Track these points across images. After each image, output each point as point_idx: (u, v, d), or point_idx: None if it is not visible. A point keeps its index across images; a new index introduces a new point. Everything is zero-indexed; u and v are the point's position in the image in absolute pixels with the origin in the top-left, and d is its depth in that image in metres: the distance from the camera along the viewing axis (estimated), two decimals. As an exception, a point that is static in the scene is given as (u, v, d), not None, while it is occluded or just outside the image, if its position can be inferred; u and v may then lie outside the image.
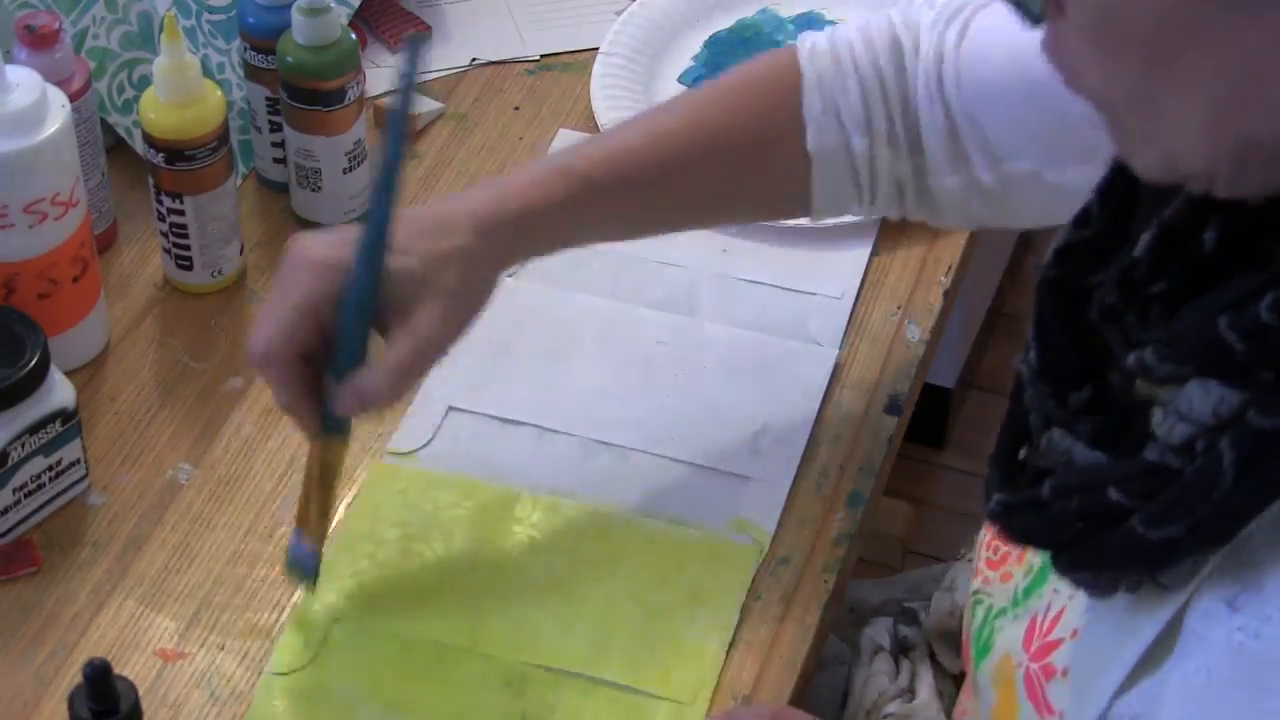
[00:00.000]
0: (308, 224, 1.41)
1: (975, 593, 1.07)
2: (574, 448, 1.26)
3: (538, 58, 1.56)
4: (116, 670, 1.04)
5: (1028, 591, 1.01)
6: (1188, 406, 0.82)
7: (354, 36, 1.36)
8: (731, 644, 1.16)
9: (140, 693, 1.07)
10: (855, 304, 1.36)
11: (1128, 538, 0.84)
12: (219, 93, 1.31)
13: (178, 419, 1.29)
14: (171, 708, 1.13)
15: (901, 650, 1.26)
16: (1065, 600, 0.96)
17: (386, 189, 1.07)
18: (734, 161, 1.18)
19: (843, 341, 1.33)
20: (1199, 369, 0.82)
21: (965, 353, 2.36)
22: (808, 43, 1.19)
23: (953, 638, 1.23)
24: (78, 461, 1.22)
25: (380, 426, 1.26)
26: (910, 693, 1.23)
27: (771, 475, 1.24)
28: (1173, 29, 0.76)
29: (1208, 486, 0.81)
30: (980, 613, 1.05)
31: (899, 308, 1.36)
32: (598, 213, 1.16)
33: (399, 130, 1.08)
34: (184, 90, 1.28)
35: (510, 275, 1.25)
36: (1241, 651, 0.82)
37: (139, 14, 1.40)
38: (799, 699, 1.16)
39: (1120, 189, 0.90)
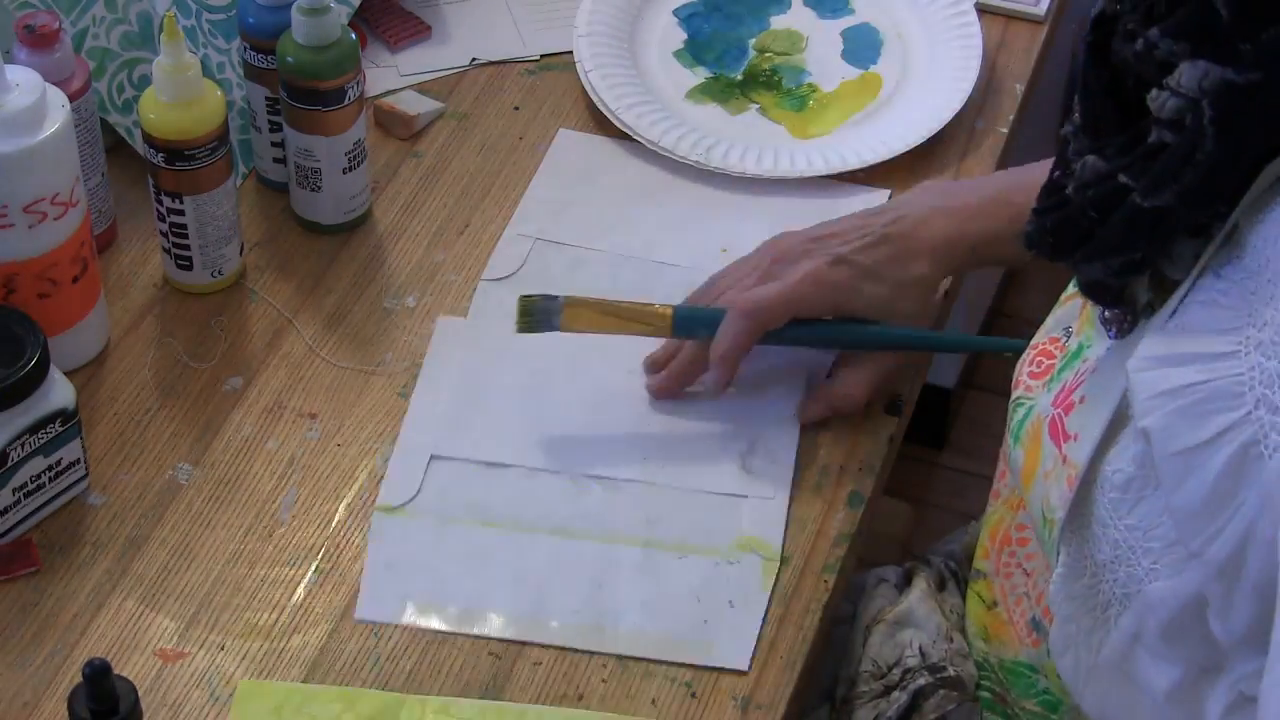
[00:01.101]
0: (308, 224, 1.41)
1: (1016, 400, 1.11)
2: (565, 484, 1.23)
3: (538, 58, 1.56)
4: (116, 670, 1.05)
5: (1061, 370, 1.07)
6: (1178, 82, 0.89)
7: (354, 36, 1.36)
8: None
9: (140, 693, 1.07)
10: (855, 304, 1.36)
11: (1128, 212, 0.92)
12: (219, 93, 1.30)
13: (178, 419, 1.29)
14: (171, 708, 1.13)
15: (906, 580, 1.28)
16: (1091, 362, 1.03)
17: None
18: None
19: (843, 341, 1.33)
20: (1193, 45, 0.89)
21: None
22: None
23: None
24: (77, 461, 1.22)
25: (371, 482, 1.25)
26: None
27: (767, 490, 1.23)
28: None
29: (1192, 149, 0.89)
30: (1021, 412, 1.10)
31: (899, 308, 1.36)
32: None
33: None
34: (184, 90, 1.28)
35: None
36: (1213, 304, 0.91)
37: (139, 14, 1.40)
38: (799, 698, 1.16)
39: None
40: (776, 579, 1.19)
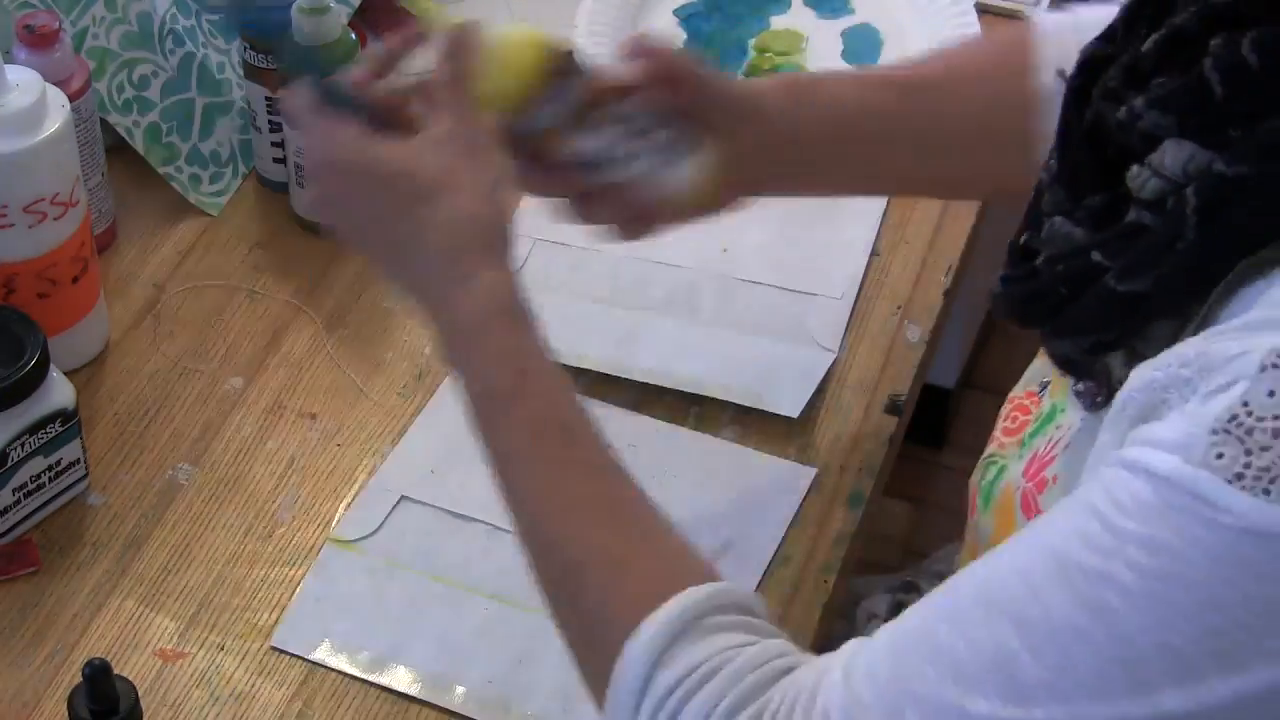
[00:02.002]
0: (308, 224, 1.41)
1: (989, 457, 1.09)
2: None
3: (538, 58, 1.56)
4: (116, 670, 1.04)
5: (1033, 434, 1.03)
6: (1161, 163, 0.85)
7: (354, 36, 1.36)
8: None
9: (140, 693, 1.07)
10: (855, 304, 1.36)
11: (1101, 293, 0.87)
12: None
13: (178, 419, 1.29)
14: (171, 708, 1.13)
15: (896, 611, 1.27)
16: (1065, 432, 0.99)
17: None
18: (954, 107, 1.17)
19: (843, 341, 1.33)
20: (1180, 123, 0.84)
21: (965, 353, 2.36)
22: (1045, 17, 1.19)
23: None
24: (77, 461, 1.22)
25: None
26: None
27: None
28: None
29: (1173, 237, 0.84)
30: (992, 471, 1.07)
31: (899, 308, 1.36)
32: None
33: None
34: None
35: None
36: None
37: (139, 14, 1.40)
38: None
39: (1148, 12, 0.92)
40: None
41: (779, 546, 1.21)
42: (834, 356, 1.32)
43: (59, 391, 1.19)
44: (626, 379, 1.30)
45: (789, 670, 0.88)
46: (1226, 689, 0.77)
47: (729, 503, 1.23)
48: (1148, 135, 0.86)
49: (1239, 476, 0.76)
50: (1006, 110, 1.16)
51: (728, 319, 1.35)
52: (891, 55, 1.54)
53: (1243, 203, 0.82)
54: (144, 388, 1.31)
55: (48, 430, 1.19)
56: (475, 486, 1.24)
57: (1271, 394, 0.76)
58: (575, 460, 0.98)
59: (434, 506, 1.23)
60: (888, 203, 1.43)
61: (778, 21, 1.58)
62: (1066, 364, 0.95)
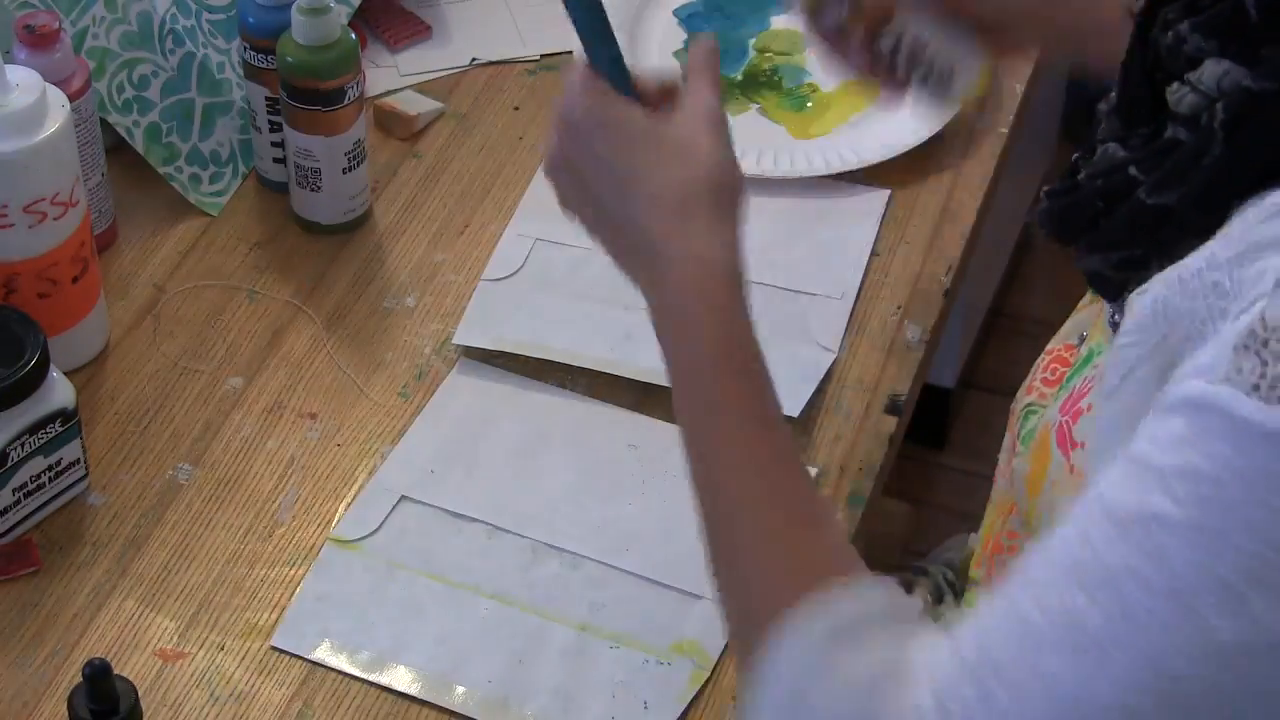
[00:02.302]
0: (307, 224, 1.41)
1: (1028, 405, 1.09)
2: (523, 550, 1.20)
3: (538, 58, 1.56)
4: (116, 670, 1.05)
5: (1071, 376, 1.05)
6: (1199, 79, 0.88)
7: (354, 36, 1.36)
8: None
9: (140, 693, 1.07)
10: (855, 304, 1.36)
11: (1133, 206, 0.90)
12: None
13: (178, 419, 1.29)
14: (171, 708, 1.13)
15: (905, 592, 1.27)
16: (1100, 369, 1.00)
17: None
18: None
19: (843, 341, 1.33)
20: (1220, 45, 0.87)
21: (965, 353, 2.36)
22: None
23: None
24: (77, 461, 1.22)
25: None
26: None
27: None
28: None
29: (1201, 151, 0.87)
30: (1032, 420, 1.08)
31: (899, 308, 1.36)
32: None
33: None
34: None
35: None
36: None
37: (138, 14, 1.40)
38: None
39: None
40: (700, 692, 1.14)
41: None
42: (834, 356, 1.32)
43: (59, 391, 1.19)
44: (626, 379, 1.30)
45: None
46: (1272, 617, 0.78)
47: None
48: (1192, 58, 0.89)
49: (1255, 388, 0.77)
50: None
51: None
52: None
53: (1267, 117, 0.85)
54: (144, 388, 1.31)
55: (48, 430, 1.19)
56: (475, 486, 1.24)
57: None
58: (768, 444, 0.99)
59: (434, 506, 1.23)
60: (888, 203, 1.43)
61: (778, 21, 1.58)
62: (1097, 280, 0.97)
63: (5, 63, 1.22)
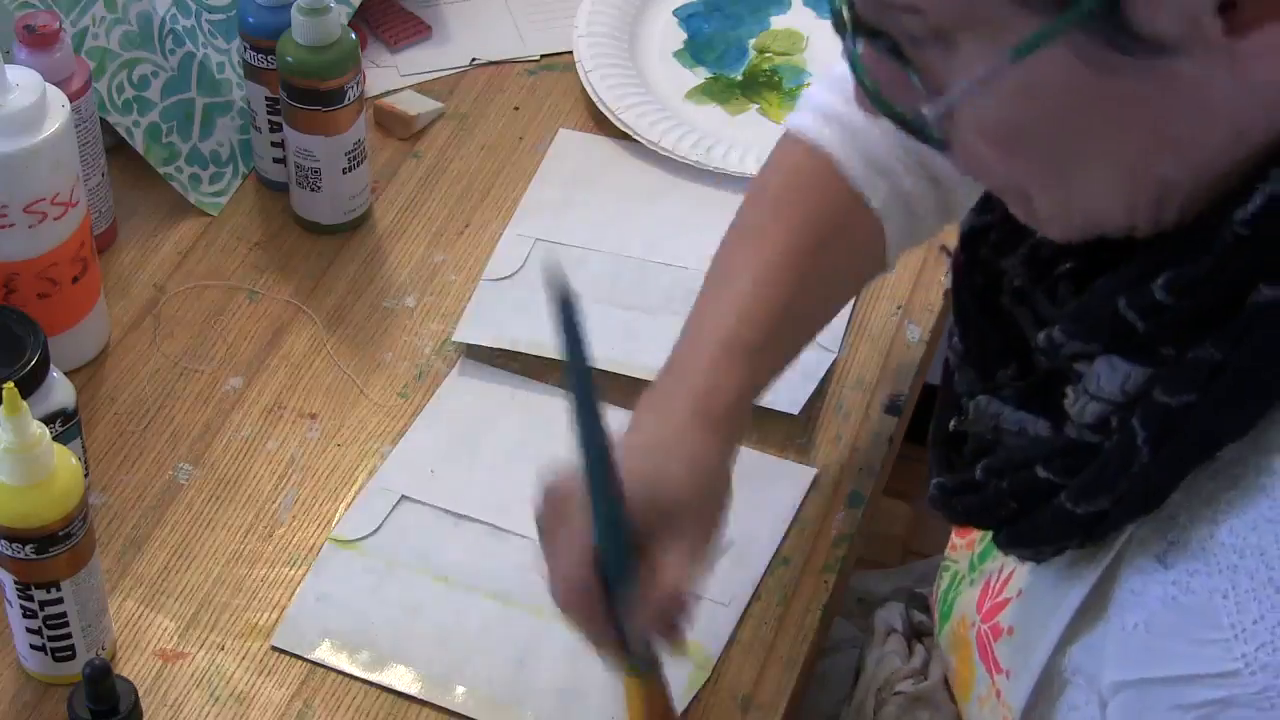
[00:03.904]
0: (308, 224, 1.41)
1: (945, 559, 1.09)
2: (523, 550, 1.18)
3: (538, 58, 1.56)
4: (116, 670, 1.04)
5: (982, 556, 1.03)
6: (1096, 385, 0.85)
7: (354, 36, 1.36)
8: (731, 643, 1.16)
9: (140, 693, 1.07)
10: (855, 304, 1.36)
11: (1058, 513, 0.87)
12: (74, 462, 1.09)
13: (178, 419, 1.29)
14: (171, 708, 1.13)
15: (915, 635, 1.26)
16: (1015, 563, 0.99)
17: (589, 438, 0.99)
18: (831, 266, 1.15)
19: (843, 341, 1.33)
20: (1105, 346, 0.84)
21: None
22: (806, 124, 1.16)
23: None
24: (78, 461, 1.22)
25: (337, 514, 1.23)
26: (923, 675, 1.23)
27: (724, 596, 1.18)
28: (1071, 114, 0.77)
29: (1126, 462, 0.83)
30: (947, 578, 1.07)
31: (899, 308, 1.36)
32: (768, 368, 1.12)
33: (584, 388, 0.99)
34: (34, 469, 1.06)
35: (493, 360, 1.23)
36: (1175, 604, 0.84)
37: (139, 14, 1.40)
38: (799, 698, 1.16)
39: None
40: (700, 692, 1.14)
41: (779, 546, 1.21)
42: (834, 356, 1.32)
43: (59, 391, 1.19)
44: (626, 378, 1.30)
45: None
46: None
47: None
48: (1076, 355, 0.86)
49: None
50: (862, 255, 1.17)
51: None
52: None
53: (1194, 425, 0.82)
54: (144, 388, 1.31)
55: (48, 430, 1.18)
56: (475, 486, 1.24)
57: None
58: None
59: (434, 506, 1.23)
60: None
61: (778, 21, 1.58)
62: (1021, 557, 0.94)
63: (5, 63, 1.22)
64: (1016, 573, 0.99)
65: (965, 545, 1.08)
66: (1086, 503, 0.86)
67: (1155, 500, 0.84)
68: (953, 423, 0.95)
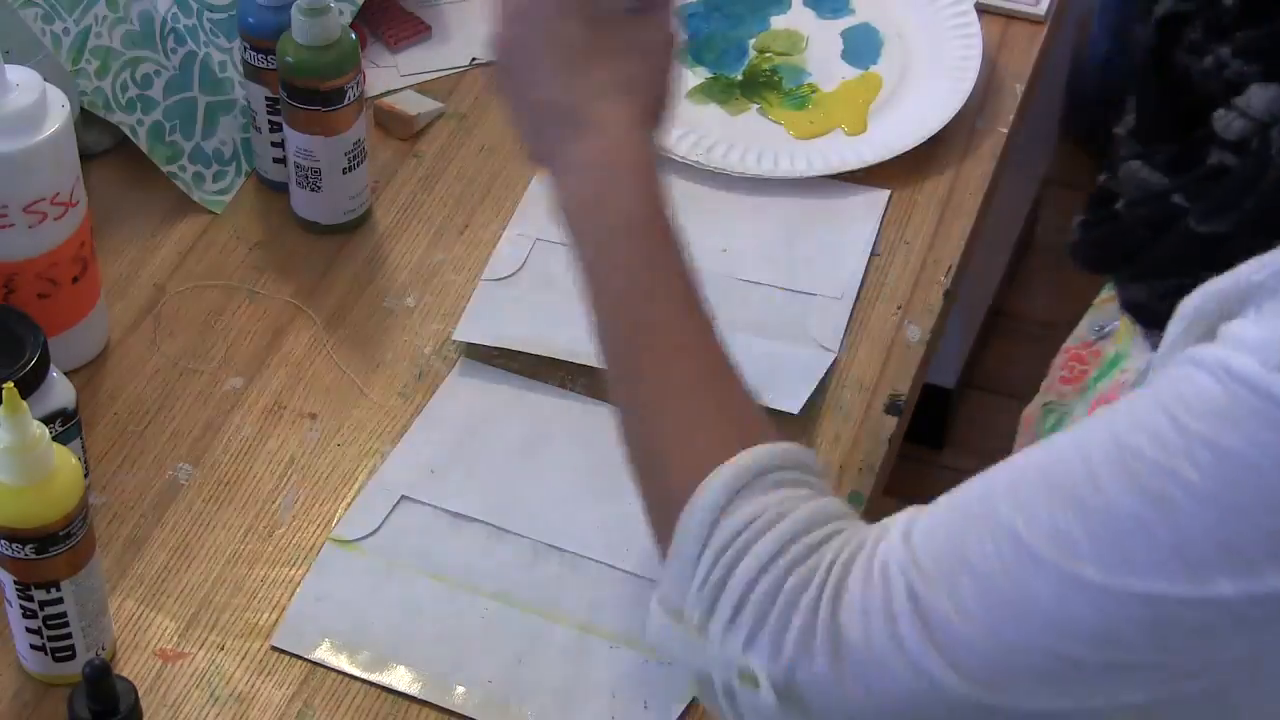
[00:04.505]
0: (308, 224, 1.41)
1: (1047, 403, 1.09)
2: (524, 550, 1.20)
3: (538, 58, 1.56)
4: (116, 670, 1.05)
5: (1097, 379, 1.04)
6: (1246, 104, 0.87)
7: (354, 36, 1.36)
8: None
9: (140, 693, 1.07)
10: (855, 304, 1.36)
11: (1183, 234, 0.89)
12: (74, 461, 1.09)
13: (178, 419, 1.29)
14: (171, 708, 1.13)
15: None
16: (1130, 374, 1.00)
17: None
18: None
19: (843, 341, 1.33)
20: (1265, 68, 0.87)
21: (965, 353, 2.36)
22: None
23: None
24: (78, 461, 1.22)
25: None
26: None
27: None
28: None
29: (1256, 177, 0.86)
30: (1052, 418, 1.08)
31: (899, 308, 1.36)
32: None
33: None
34: (34, 469, 1.06)
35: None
36: None
37: (140, 13, 1.40)
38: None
39: None
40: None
41: None
42: (834, 356, 1.32)
43: (59, 391, 1.19)
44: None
45: (844, 527, 0.91)
46: None
47: None
48: (1233, 82, 0.88)
49: None
50: None
51: (727, 319, 1.34)
52: (892, 55, 1.54)
53: None
54: (144, 388, 1.31)
55: (48, 430, 1.18)
56: (475, 486, 1.24)
57: None
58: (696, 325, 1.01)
59: (434, 506, 1.23)
60: (888, 203, 1.43)
61: (778, 22, 1.58)
62: (1139, 310, 0.96)
63: (5, 63, 1.22)
64: (1129, 380, 0.99)
65: (1075, 391, 1.07)
66: (1210, 221, 0.87)
67: (1275, 225, 0.84)
68: (1103, 177, 0.97)
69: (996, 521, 0.84)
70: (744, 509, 0.91)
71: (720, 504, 0.91)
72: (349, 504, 1.23)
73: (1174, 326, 0.86)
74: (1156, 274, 0.92)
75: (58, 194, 1.23)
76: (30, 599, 1.09)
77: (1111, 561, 0.81)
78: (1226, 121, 0.88)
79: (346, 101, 1.35)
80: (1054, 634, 0.83)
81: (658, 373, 0.98)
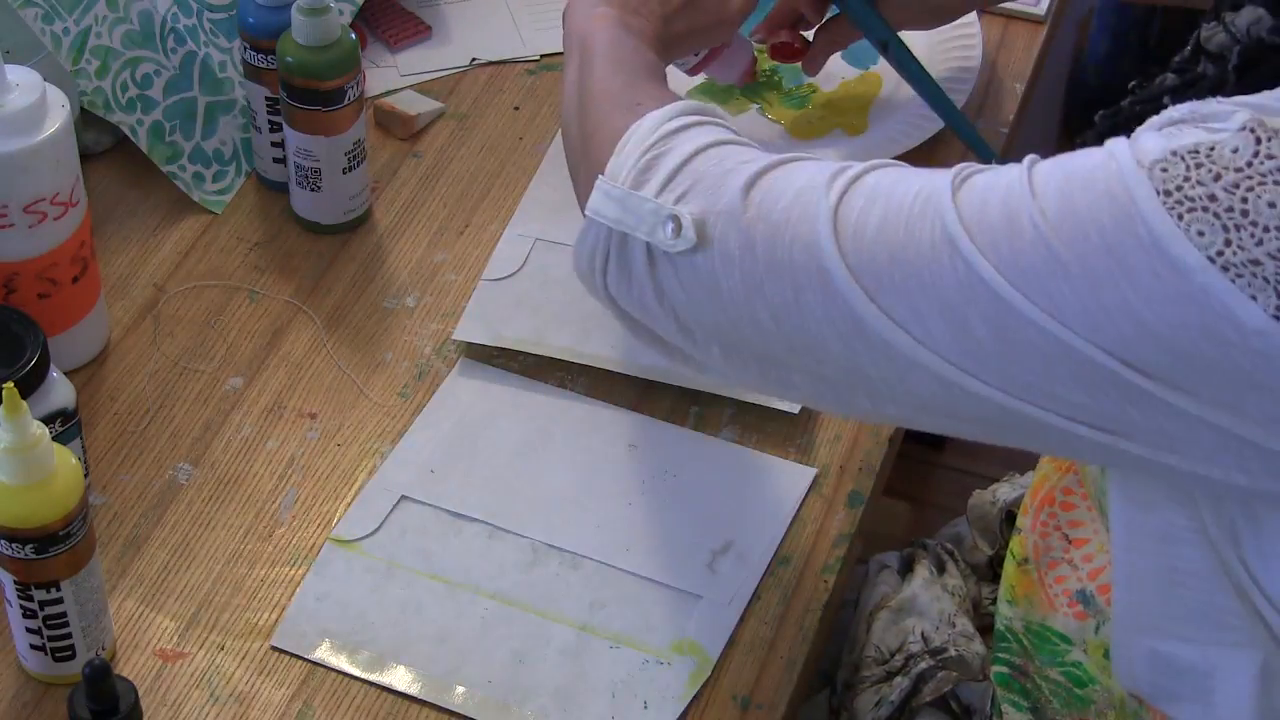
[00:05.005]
0: (308, 224, 1.41)
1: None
2: (524, 550, 1.20)
3: (538, 58, 1.56)
4: (116, 670, 1.05)
5: None
6: (1231, 20, 0.95)
7: (354, 36, 1.36)
8: (731, 643, 1.16)
9: (140, 693, 1.07)
10: (855, 304, 1.36)
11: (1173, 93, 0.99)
12: (74, 461, 1.08)
13: (178, 419, 1.29)
14: (171, 708, 1.13)
15: (908, 566, 1.28)
16: None
17: None
18: None
19: (843, 341, 1.33)
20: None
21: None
22: None
23: (986, 523, 1.27)
24: (78, 461, 1.22)
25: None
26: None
27: (724, 596, 1.18)
28: None
29: (1217, 88, 0.95)
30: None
31: (899, 308, 1.36)
32: None
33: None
34: (34, 469, 1.06)
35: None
36: None
37: (139, 13, 1.40)
38: (799, 699, 1.16)
39: None
40: (700, 692, 1.14)
41: (779, 546, 1.21)
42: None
43: (59, 391, 1.19)
44: (626, 378, 1.30)
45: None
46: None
47: (729, 502, 1.23)
48: (1238, 1, 0.95)
49: (1166, 194, 0.82)
50: None
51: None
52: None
53: (1271, 63, 0.91)
54: (144, 388, 1.31)
55: (48, 430, 1.18)
56: (475, 486, 1.24)
57: (1235, 150, 0.82)
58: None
59: (434, 506, 1.23)
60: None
61: (778, 21, 1.57)
62: None
63: (5, 63, 1.22)
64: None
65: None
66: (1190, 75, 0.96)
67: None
68: (1133, 84, 1.03)
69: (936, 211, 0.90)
70: (685, 122, 1.03)
71: (664, 118, 1.03)
72: (349, 504, 1.24)
73: None
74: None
75: (58, 194, 1.23)
76: (30, 599, 1.09)
77: (985, 248, 0.87)
78: (1210, 33, 0.94)
79: (346, 101, 1.35)
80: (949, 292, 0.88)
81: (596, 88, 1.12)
